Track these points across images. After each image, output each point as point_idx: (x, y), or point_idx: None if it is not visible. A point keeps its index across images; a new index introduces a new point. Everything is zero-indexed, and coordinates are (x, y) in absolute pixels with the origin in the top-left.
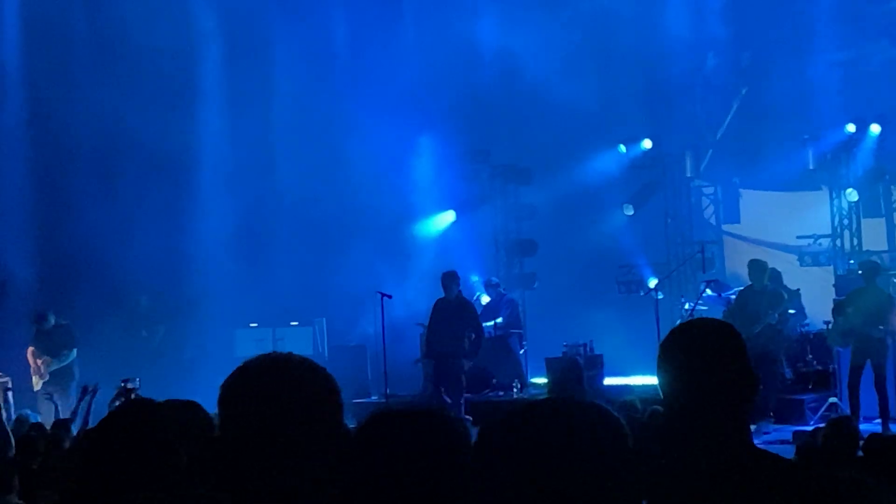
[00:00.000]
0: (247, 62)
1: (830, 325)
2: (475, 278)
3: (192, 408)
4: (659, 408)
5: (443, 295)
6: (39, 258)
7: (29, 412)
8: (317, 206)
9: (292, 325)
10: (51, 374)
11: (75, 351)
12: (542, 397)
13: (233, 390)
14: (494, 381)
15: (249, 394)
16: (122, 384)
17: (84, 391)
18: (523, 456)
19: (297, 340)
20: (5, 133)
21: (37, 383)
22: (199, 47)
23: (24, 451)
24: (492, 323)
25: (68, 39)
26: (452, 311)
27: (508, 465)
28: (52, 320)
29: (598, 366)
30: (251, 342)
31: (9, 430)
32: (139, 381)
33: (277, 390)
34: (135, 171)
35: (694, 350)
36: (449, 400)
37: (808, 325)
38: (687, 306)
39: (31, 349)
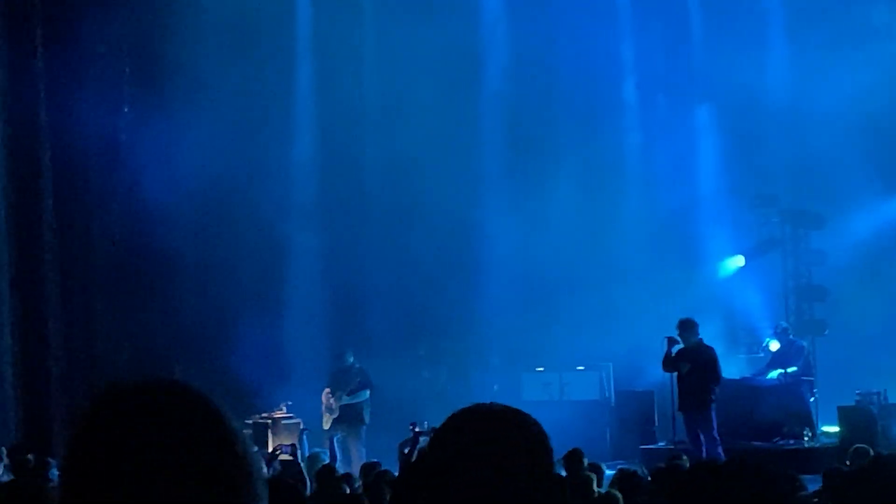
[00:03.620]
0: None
1: None
2: (764, 324)
3: None
4: None
5: (679, 343)
6: (331, 295)
7: (320, 451)
8: (601, 251)
9: (578, 370)
10: (340, 411)
11: (368, 393)
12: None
13: (440, 435)
14: (784, 429)
15: (454, 440)
16: (411, 427)
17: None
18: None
19: (584, 385)
20: (298, 168)
21: (327, 421)
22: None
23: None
24: (780, 371)
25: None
26: (693, 360)
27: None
28: (350, 360)
29: (893, 415)
30: (538, 386)
31: (304, 469)
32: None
33: (484, 439)
34: (425, 223)
35: None
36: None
37: None
38: None
39: (327, 390)
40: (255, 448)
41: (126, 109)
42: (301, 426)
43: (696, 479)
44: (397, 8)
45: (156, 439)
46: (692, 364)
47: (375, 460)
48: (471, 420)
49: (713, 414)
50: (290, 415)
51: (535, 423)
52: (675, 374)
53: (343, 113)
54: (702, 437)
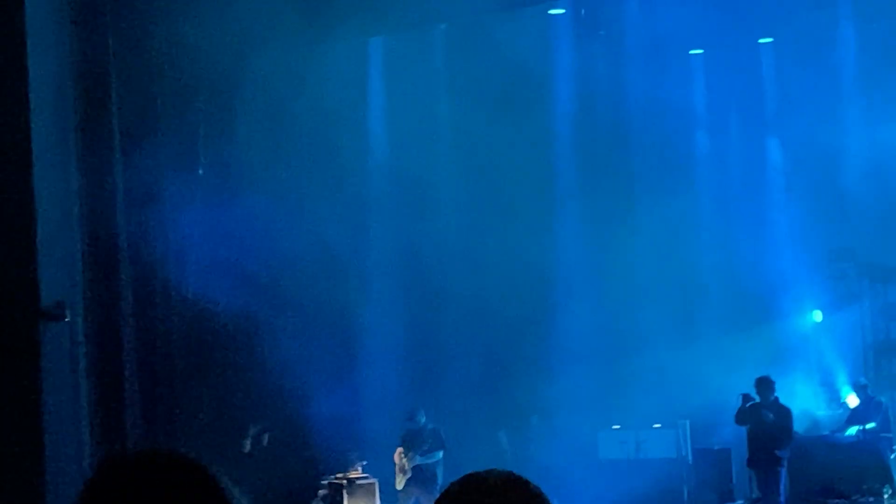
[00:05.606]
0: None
1: None
2: (842, 380)
3: None
4: None
5: (754, 400)
6: (405, 353)
7: None
8: (676, 307)
9: (655, 428)
10: (413, 472)
11: (441, 454)
12: None
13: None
14: (864, 486)
15: None
16: None
17: None
18: None
19: (660, 443)
20: (372, 224)
21: (400, 482)
22: None
23: None
24: (859, 427)
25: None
26: (767, 417)
27: None
28: (423, 420)
29: None
30: (615, 444)
31: None
32: None
33: None
34: (501, 281)
35: None
36: None
37: None
38: None
39: (399, 450)
40: None
41: (201, 172)
42: (375, 486)
43: None
44: (468, 63)
45: None
46: (767, 422)
47: None
48: (471, 491)
49: (782, 473)
50: (366, 475)
51: (540, 493)
52: (747, 430)
53: (416, 168)
54: (764, 494)
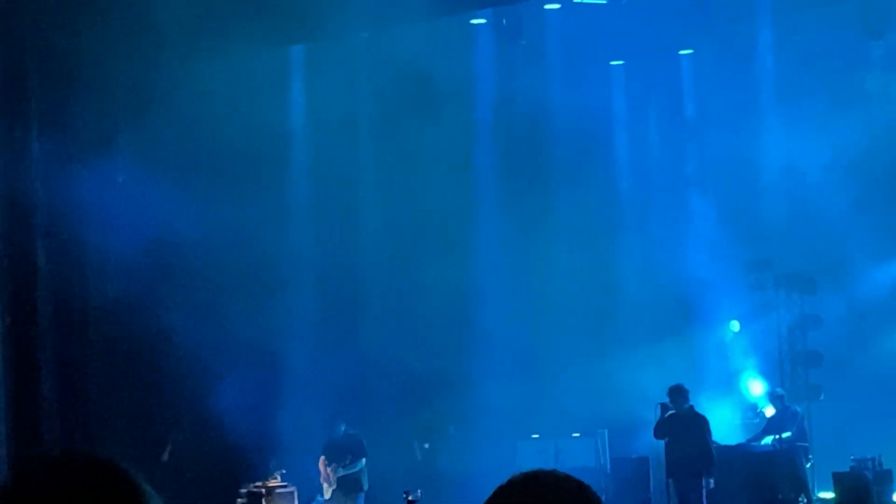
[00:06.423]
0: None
1: None
2: (758, 390)
3: None
4: None
5: (672, 409)
6: (325, 362)
7: None
8: (596, 318)
9: (574, 437)
10: (338, 482)
11: (364, 461)
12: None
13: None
14: (780, 495)
15: None
16: (405, 495)
17: None
18: None
19: (579, 452)
20: (294, 234)
21: (327, 491)
22: None
23: None
24: (775, 437)
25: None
26: (683, 426)
27: None
28: (343, 428)
29: (888, 481)
30: (533, 454)
31: None
32: (420, 492)
33: None
34: (421, 291)
35: None
36: None
37: None
38: None
39: (322, 458)
40: None
41: (120, 180)
42: (294, 494)
43: None
44: (390, 71)
45: None
46: (684, 431)
47: None
48: (526, 489)
49: (703, 483)
50: (285, 483)
51: (595, 495)
52: (666, 440)
53: (337, 175)
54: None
